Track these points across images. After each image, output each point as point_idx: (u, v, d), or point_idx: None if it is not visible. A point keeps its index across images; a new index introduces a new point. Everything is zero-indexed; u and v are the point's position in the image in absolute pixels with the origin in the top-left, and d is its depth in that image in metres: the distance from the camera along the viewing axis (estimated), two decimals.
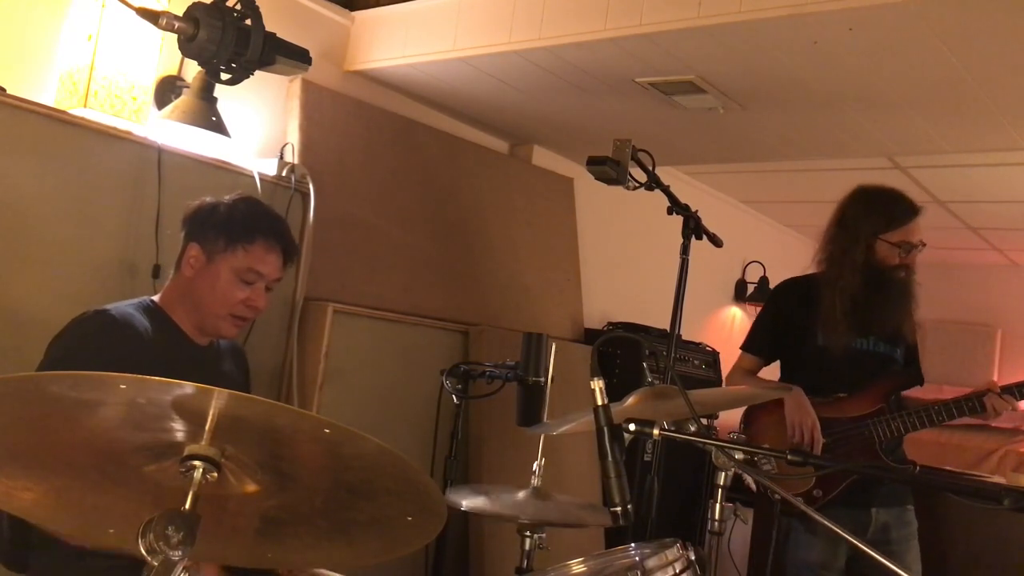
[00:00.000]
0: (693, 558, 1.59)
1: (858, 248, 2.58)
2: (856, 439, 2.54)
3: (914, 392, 2.69)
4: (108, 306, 1.87)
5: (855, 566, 2.52)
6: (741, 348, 2.83)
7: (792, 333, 2.69)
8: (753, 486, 4.18)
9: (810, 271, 2.73)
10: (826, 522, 1.27)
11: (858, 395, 2.58)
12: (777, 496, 2.54)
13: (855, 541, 1.20)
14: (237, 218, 1.92)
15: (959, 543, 3.45)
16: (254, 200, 2.02)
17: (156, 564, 1.02)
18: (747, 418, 2.76)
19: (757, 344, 2.79)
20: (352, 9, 3.42)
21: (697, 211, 2.76)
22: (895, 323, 2.60)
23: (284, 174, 2.95)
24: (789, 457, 1.29)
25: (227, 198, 1.97)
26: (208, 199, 1.97)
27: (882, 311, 2.56)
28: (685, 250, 2.72)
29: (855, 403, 2.57)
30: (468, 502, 2.10)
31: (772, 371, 2.86)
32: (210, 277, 1.90)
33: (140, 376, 0.95)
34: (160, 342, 1.87)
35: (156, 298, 1.96)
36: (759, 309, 6.03)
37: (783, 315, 2.74)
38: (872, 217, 2.60)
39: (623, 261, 4.77)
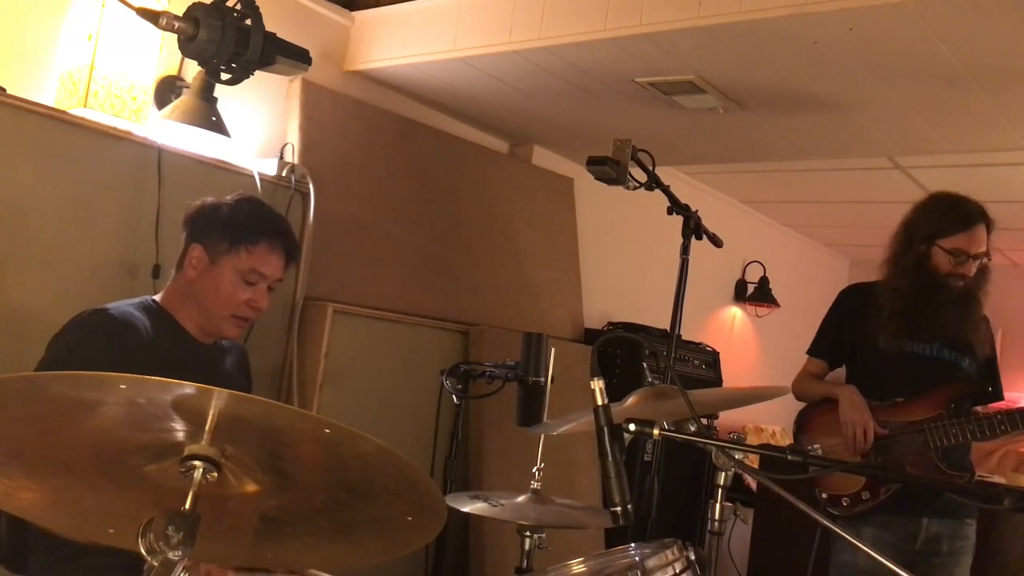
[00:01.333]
0: (693, 558, 1.59)
1: (912, 252, 2.56)
2: (910, 443, 2.49)
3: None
4: (108, 305, 1.86)
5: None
6: (807, 352, 2.81)
7: (853, 337, 2.67)
8: (753, 485, 4.19)
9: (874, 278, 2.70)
10: (828, 524, 1.26)
11: (917, 400, 2.52)
12: (824, 496, 2.54)
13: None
14: (240, 219, 1.92)
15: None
16: (256, 200, 2.02)
17: (156, 564, 1.02)
18: (800, 421, 2.73)
19: (820, 348, 2.77)
20: (352, 9, 3.42)
21: (697, 211, 2.76)
22: (958, 330, 2.54)
23: (284, 174, 2.95)
24: (789, 457, 1.29)
25: (229, 198, 1.96)
26: (210, 199, 1.97)
27: (939, 316, 2.51)
28: (685, 250, 2.72)
29: (913, 408, 2.52)
30: (468, 508, 2.10)
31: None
32: (213, 278, 1.90)
33: (140, 376, 0.95)
34: (161, 341, 1.87)
35: (158, 297, 1.96)
36: (759, 308, 6.04)
37: (844, 318, 2.72)
38: (928, 222, 2.56)
39: (623, 261, 4.77)
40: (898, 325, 2.54)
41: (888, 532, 2.48)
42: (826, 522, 1.27)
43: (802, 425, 2.72)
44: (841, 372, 2.79)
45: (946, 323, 2.52)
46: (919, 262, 2.55)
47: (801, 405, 2.75)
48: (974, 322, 2.57)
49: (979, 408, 2.60)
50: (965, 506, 2.52)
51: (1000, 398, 2.68)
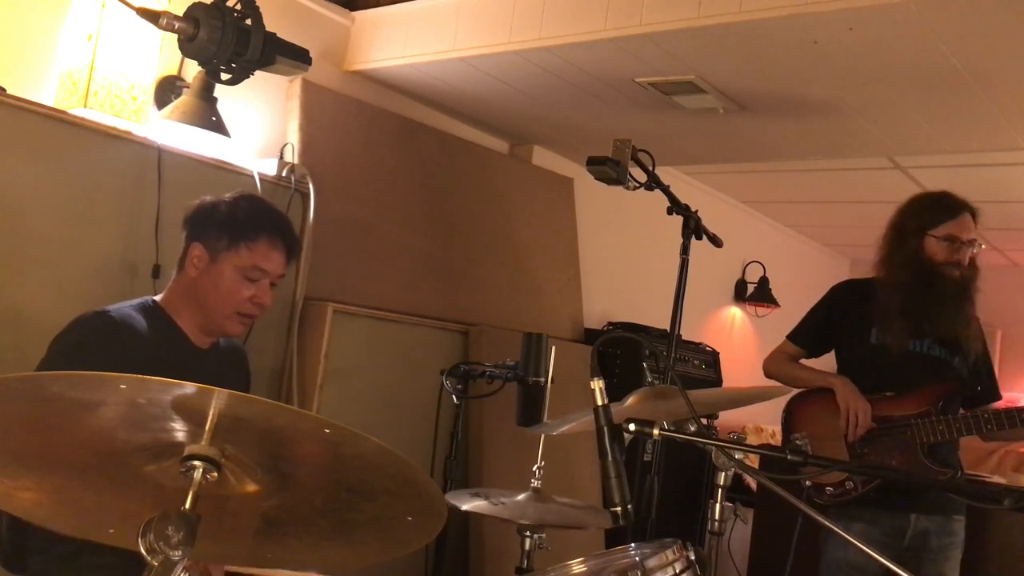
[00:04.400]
0: (693, 558, 1.59)
1: (907, 245, 2.60)
2: (897, 438, 2.51)
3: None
4: (108, 307, 1.86)
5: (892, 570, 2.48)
6: (787, 336, 2.84)
7: (845, 331, 2.69)
8: (754, 485, 4.19)
9: (869, 275, 2.73)
10: (827, 523, 1.26)
11: (906, 396, 2.54)
12: (808, 483, 2.55)
13: (866, 548, 1.19)
14: (240, 216, 1.92)
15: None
16: (255, 197, 2.02)
17: (156, 564, 1.02)
18: (788, 409, 2.75)
19: (803, 336, 2.80)
20: (352, 9, 3.42)
21: (697, 211, 2.76)
22: (951, 326, 2.56)
23: (284, 174, 2.95)
24: (789, 456, 1.29)
25: (227, 196, 1.96)
26: (208, 198, 1.97)
27: (935, 311, 2.53)
28: (685, 250, 2.72)
29: (901, 403, 2.54)
30: (468, 506, 2.10)
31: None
32: (214, 276, 1.89)
33: (140, 376, 0.95)
34: (159, 343, 1.87)
35: (158, 298, 1.95)
36: (759, 308, 6.04)
37: (836, 312, 2.74)
38: (919, 214, 2.62)
39: (623, 261, 4.77)
40: (896, 320, 2.56)
41: (876, 528, 2.49)
42: (826, 522, 1.27)
43: (791, 414, 2.73)
44: (818, 361, 2.81)
45: (940, 319, 2.55)
46: (914, 255, 2.58)
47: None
48: (966, 319, 2.59)
49: (979, 407, 2.60)
50: (954, 502, 2.54)
51: (996, 398, 2.69)
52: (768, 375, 2.83)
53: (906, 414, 2.52)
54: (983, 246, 2.62)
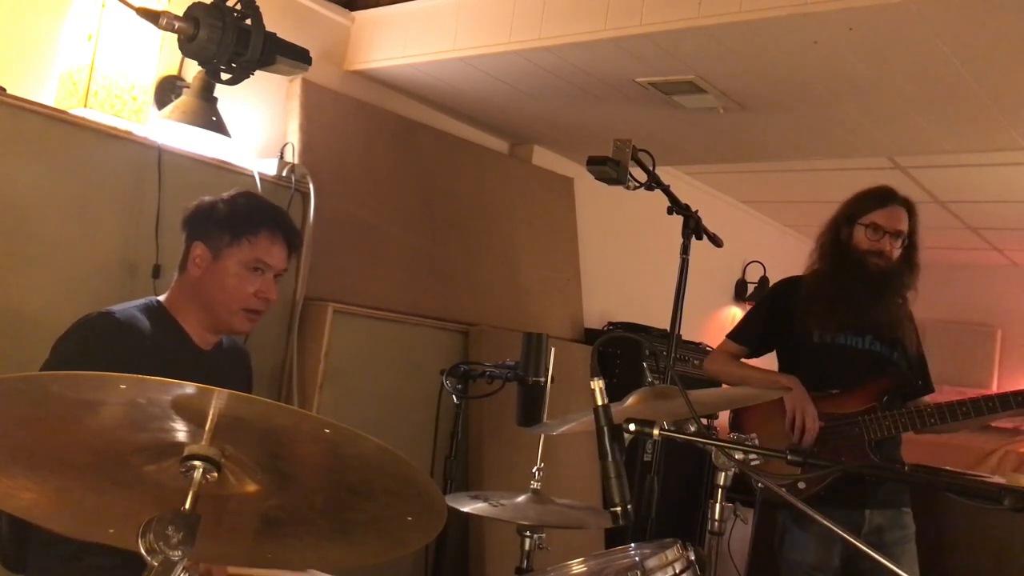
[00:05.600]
0: (693, 558, 1.59)
1: (837, 234, 2.64)
2: (845, 435, 2.53)
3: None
4: (113, 308, 1.86)
5: (850, 568, 2.50)
6: (728, 335, 2.83)
7: (787, 329, 2.70)
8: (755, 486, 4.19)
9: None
10: (819, 517, 1.26)
11: (851, 393, 2.57)
12: (760, 484, 2.55)
13: (851, 539, 1.20)
14: (239, 212, 1.93)
15: (960, 547, 3.42)
16: (253, 194, 2.03)
17: (156, 564, 1.02)
18: (736, 411, 2.76)
19: (745, 335, 2.80)
20: (352, 9, 3.42)
21: (697, 211, 2.76)
22: (886, 322, 2.59)
23: (284, 174, 2.95)
24: (789, 457, 1.29)
25: (225, 195, 1.97)
26: (206, 198, 1.97)
27: (859, 301, 2.55)
28: (685, 250, 2.72)
29: (847, 400, 2.56)
30: (468, 508, 2.10)
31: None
32: (219, 273, 1.90)
33: (140, 376, 0.95)
34: (162, 344, 1.87)
35: (162, 298, 1.96)
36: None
37: (777, 311, 2.74)
38: (852, 203, 2.66)
39: (623, 261, 4.77)
40: (820, 310, 2.58)
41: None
42: (826, 522, 1.27)
43: (740, 414, 2.74)
44: (761, 360, 2.82)
45: (869, 312, 2.56)
46: (842, 243, 2.62)
47: None
48: (897, 314, 2.61)
49: (911, 402, 2.63)
50: (902, 495, 2.57)
51: (931, 391, 2.72)
52: (711, 376, 2.83)
53: (852, 411, 2.54)
54: (907, 240, 2.61)
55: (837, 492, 2.48)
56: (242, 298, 1.90)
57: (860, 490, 2.51)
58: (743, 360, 2.79)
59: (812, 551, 2.50)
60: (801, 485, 2.50)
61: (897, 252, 2.59)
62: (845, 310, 2.57)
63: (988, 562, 3.38)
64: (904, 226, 2.60)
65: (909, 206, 2.63)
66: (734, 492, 4.39)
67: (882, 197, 2.62)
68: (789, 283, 2.80)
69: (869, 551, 1.17)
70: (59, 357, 1.77)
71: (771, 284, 2.85)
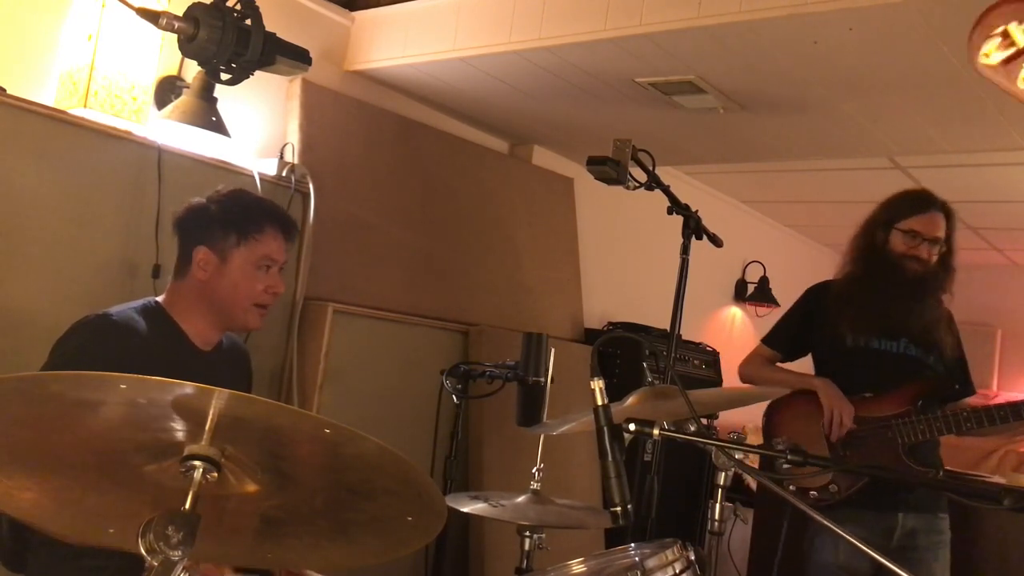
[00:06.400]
0: (693, 558, 1.59)
1: (873, 239, 2.61)
2: (878, 439, 2.50)
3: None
4: (111, 310, 1.86)
5: (881, 570, 2.48)
6: (762, 340, 2.84)
7: (821, 334, 2.69)
8: (754, 485, 4.19)
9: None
10: (831, 524, 1.26)
11: (885, 396, 2.54)
12: (792, 488, 2.55)
13: (862, 546, 1.19)
14: (238, 212, 1.94)
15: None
16: (243, 190, 2.03)
17: (156, 564, 1.02)
18: (768, 412, 2.75)
19: (778, 340, 2.80)
20: (352, 9, 3.42)
21: (697, 211, 2.76)
22: (922, 327, 2.56)
23: (284, 174, 2.95)
24: (789, 457, 1.29)
25: (213, 195, 1.97)
26: (196, 200, 1.97)
27: (894, 305, 2.53)
28: (685, 250, 2.72)
29: (881, 404, 2.54)
30: (468, 508, 2.10)
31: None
32: (229, 275, 1.91)
33: (140, 376, 0.95)
34: (161, 346, 1.87)
35: (160, 299, 1.96)
36: (759, 308, 6.03)
37: (810, 316, 2.74)
38: (886, 210, 2.63)
39: (623, 261, 4.77)
40: (855, 314, 2.56)
41: (863, 528, 2.48)
42: (826, 521, 1.27)
43: (772, 417, 2.73)
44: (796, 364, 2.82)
45: (905, 316, 2.55)
46: (877, 248, 2.60)
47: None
48: (936, 319, 2.59)
49: (950, 405, 2.60)
50: (938, 500, 2.55)
51: (971, 394, 2.69)
52: (744, 379, 2.83)
53: (886, 415, 2.52)
54: (946, 247, 2.60)
55: (870, 495, 2.46)
56: (253, 295, 1.94)
57: (893, 493, 2.49)
58: (777, 364, 2.79)
59: (842, 553, 2.49)
60: (833, 488, 2.49)
61: (934, 258, 2.57)
62: (878, 314, 2.55)
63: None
64: (942, 232, 2.58)
65: (947, 211, 2.60)
66: (734, 492, 4.41)
67: (921, 203, 2.59)
68: (822, 287, 2.78)
69: (879, 557, 1.16)
70: (57, 360, 1.77)
71: (806, 289, 2.82)
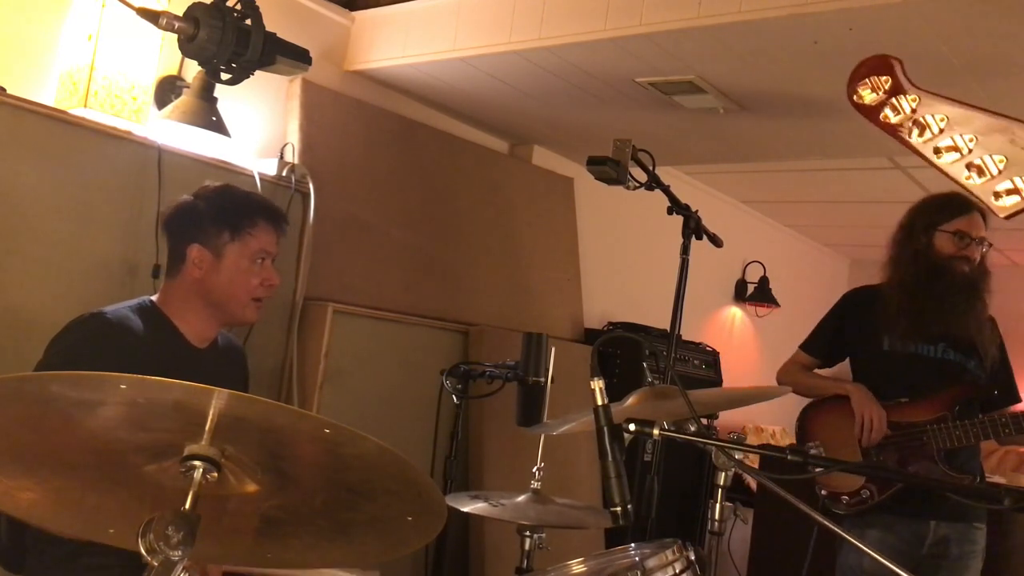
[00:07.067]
0: (693, 558, 1.59)
1: (916, 242, 2.57)
2: (912, 445, 2.48)
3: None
4: (105, 309, 1.86)
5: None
6: (800, 346, 2.82)
7: (857, 339, 2.67)
8: (753, 485, 4.19)
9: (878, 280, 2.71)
10: (837, 530, 1.26)
11: (921, 401, 2.51)
12: (824, 493, 2.53)
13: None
14: (229, 208, 1.95)
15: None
16: (230, 185, 2.04)
17: (156, 564, 1.02)
18: (802, 417, 2.74)
19: (815, 346, 2.79)
20: (352, 9, 3.42)
21: (697, 211, 2.76)
22: (963, 327, 2.53)
23: (284, 174, 2.95)
24: (789, 457, 1.29)
25: (200, 193, 1.98)
26: (184, 198, 1.97)
27: (944, 308, 2.50)
28: (685, 250, 2.72)
29: (916, 409, 2.51)
30: (468, 508, 2.10)
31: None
32: (225, 271, 1.91)
33: (140, 376, 0.95)
34: (156, 344, 1.87)
35: (154, 298, 1.96)
36: (759, 308, 6.04)
37: (848, 320, 2.72)
38: (930, 210, 2.60)
39: (623, 261, 4.77)
40: (906, 323, 2.53)
41: (893, 534, 2.46)
42: (827, 523, 1.27)
43: (805, 422, 2.72)
44: (834, 370, 2.80)
45: (951, 321, 2.51)
46: (922, 252, 2.56)
47: (803, 401, 2.75)
48: (979, 321, 2.56)
49: (997, 411, 2.54)
50: (975, 509, 2.50)
51: (1016, 400, 2.65)
52: (783, 385, 2.77)
53: (922, 420, 2.48)
54: (991, 246, 2.60)
55: (903, 502, 2.45)
56: (251, 289, 1.95)
57: (926, 500, 2.46)
58: (815, 370, 2.77)
59: (868, 556, 2.47)
60: (865, 493, 2.47)
61: (979, 258, 2.55)
62: (933, 318, 2.51)
63: None
64: (985, 232, 2.57)
65: (983, 212, 2.58)
66: (734, 492, 4.41)
67: (962, 204, 2.56)
68: (861, 293, 2.76)
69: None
70: (52, 359, 1.78)
71: (843, 295, 2.81)
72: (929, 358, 2.56)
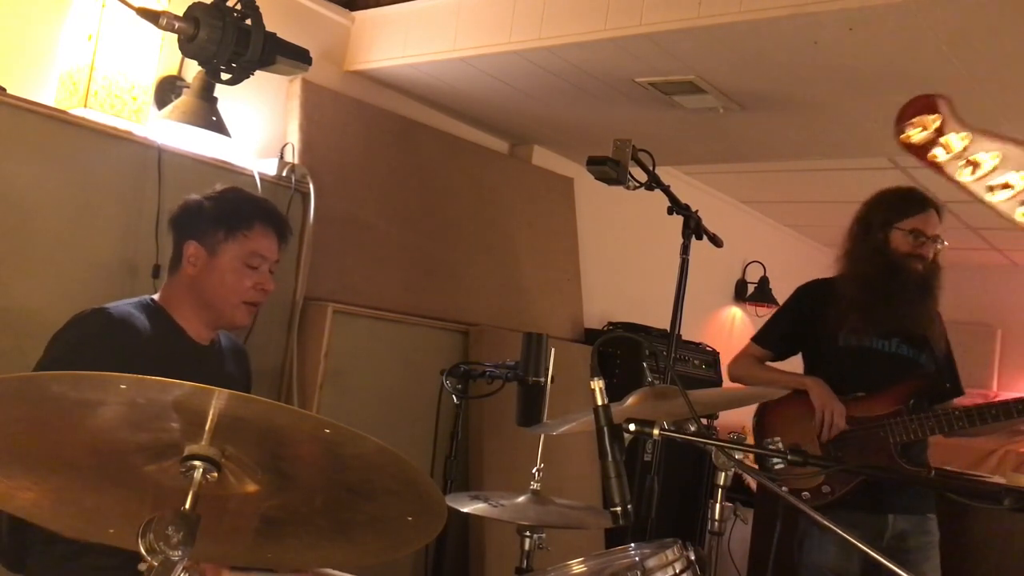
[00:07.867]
0: (693, 558, 1.59)
1: (872, 237, 2.61)
2: (870, 439, 2.51)
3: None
4: (108, 305, 1.87)
5: (872, 572, 2.48)
6: (752, 339, 2.83)
7: (812, 333, 2.69)
8: (753, 485, 4.19)
9: (831, 274, 2.73)
10: (829, 524, 1.26)
11: (877, 396, 2.55)
12: (785, 489, 2.54)
13: (864, 547, 1.20)
14: (229, 208, 1.95)
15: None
16: (239, 188, 2.04)
17: (156, 564, 1.02)
18: (760, 412, 2.75)
19: (769, 339, 2.80)
20: (352, 9, 3.42)
21: (697, 211, 2.76)
22: (915, 322, 2.57)
23: (284, 174, 2.95)
24: (789, 457, 1.29)
25: (209, 193, 1.99)
26: (192, 197, 1.98)
27: (897, 304, 2.54)
28: (685, 250, 2.72)
29: (873, 403, 2.54)
30: (468, 508, 2.10)
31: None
32: (217, 270, 1.91)
33: (140, 376, 0.95)
34: (160, 341, 1.87)
35: (156, 296, 1.96)
36: (759, 308, 6.03)
37: (802, 315, 2.74)
38: (885, 207, 2.64)
39: (623, 261, 4.77)
40: (861, 318, 2.56)
41: (855, 531, 2.47)
42: (825, 521, 1.27)
43: (763, 417, 2.73)
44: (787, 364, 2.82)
45: (904, 316, 2.55)
46: (879, 248, 2.60)
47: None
48: (930, 316, 2.61)
49: (940, 405, 2.61)
50: (927, 500, 2.55)
51: (960, 393, 2.70)
52: (734, 379, 2.82)
53: (878, 414, 2.52)
54: (946, 243, 2.63)
55: (861, 496, 2.47)
56: (241, 292, 1.93)
57: (884, 495, 2.49)
58: (767, 363, 2.78)
59: (832, 555, 2.49)
60: (826, 489, 2.49)
61: (933, 256, 2.59)
62: (890, 315, 2.55)
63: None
64: (939, 230, 2.60)
65: (939, 208, 2.63)
66: (734, 492, 4.41)
67: (919, 202, 2.60)
68: (815, 286, 2.78)
69: (880, 558, 1.17)
70: (54, 354, 1.78)
71: (797, 288, 2.82)
72: (883, 353, 2.60)
